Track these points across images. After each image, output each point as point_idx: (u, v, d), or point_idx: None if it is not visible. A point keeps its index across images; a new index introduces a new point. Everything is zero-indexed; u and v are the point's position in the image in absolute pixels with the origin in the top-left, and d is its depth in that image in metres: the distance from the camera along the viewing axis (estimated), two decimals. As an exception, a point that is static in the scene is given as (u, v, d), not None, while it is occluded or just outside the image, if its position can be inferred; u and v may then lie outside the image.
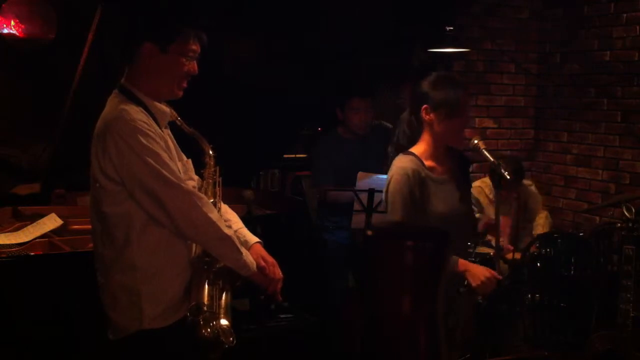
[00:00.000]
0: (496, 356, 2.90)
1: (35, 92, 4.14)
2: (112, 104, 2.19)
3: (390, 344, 2.09)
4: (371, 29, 4.52)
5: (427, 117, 2.73)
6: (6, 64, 4.14)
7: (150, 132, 2.11)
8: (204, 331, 2.12)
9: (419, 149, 2.78)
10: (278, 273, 2.34)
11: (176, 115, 2.35)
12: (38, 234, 3.17)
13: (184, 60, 2.21)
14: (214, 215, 2.17)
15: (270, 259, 2.35)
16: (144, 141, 2.08)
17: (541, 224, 4.58)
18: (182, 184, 2.13)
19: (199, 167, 2.43)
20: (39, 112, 4.11)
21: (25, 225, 3.25)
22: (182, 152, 2.37)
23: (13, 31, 4.10)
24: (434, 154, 2.78)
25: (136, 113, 2.13)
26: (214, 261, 2.23)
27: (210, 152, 2.42)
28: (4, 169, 4.12)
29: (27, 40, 4.13)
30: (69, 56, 3.73)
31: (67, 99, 3.60)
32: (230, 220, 2.42)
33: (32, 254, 2.97)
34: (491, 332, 3.05)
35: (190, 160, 2.38)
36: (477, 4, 5.05)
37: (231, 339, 2.16)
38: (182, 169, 2.29)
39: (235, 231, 2.37)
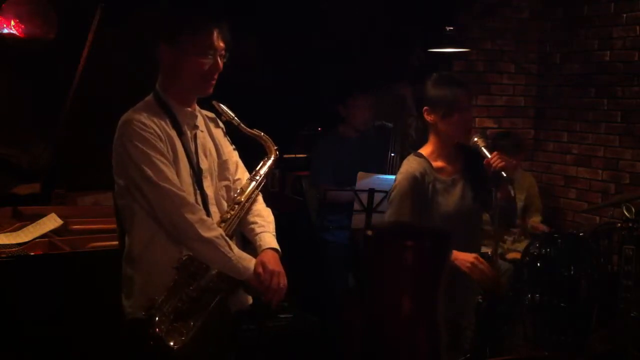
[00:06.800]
0: (496, 356, 2.89)
1: (35, 92, 4.14)
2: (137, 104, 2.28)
3: (391, 344, 2.09)
4: (371, 29, 4.52)
5: (429, 118, 2.74)
6: (6, 64, 4.13)
7: (146, 134, 2.15)
8: (156, 329, 2.05)
9: (427, 149, 2.79)
10: (279, 283, 2.24)
11: (232, 115, 2.42)
12: (38, 234, 3.17)
13: (198, 58, 2.19)
14: (194, 217, 2.15)
15: (273, 267, 2.24)
16: (137, 144, 2.15)
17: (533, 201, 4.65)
18: (164, 184, 2.14)
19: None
20: (39, 112, 4.11)
21: (25, 225, 3.25)
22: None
23: (13, 31, 4.09)
24: (442, 154, 2.78)
25: (141, 115, 2.19)
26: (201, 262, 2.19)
27: (273, 155, 2.46)
28: (4, 169, 4.11)
29: (27, 40, 4.13)
30: (69, 56, 3.73)
31: (67, 99, 3.60)
32: (257, 223, 2.39)
33: (32, 254, 2.97)
34: (491, 332, 3.05)
35: (228, 160, 2.41)
36: (477, 4, 5.04)
37: (172, 343, 2.04)
38: (215, 168, 2.34)
39: (257, 234, 2.35)
